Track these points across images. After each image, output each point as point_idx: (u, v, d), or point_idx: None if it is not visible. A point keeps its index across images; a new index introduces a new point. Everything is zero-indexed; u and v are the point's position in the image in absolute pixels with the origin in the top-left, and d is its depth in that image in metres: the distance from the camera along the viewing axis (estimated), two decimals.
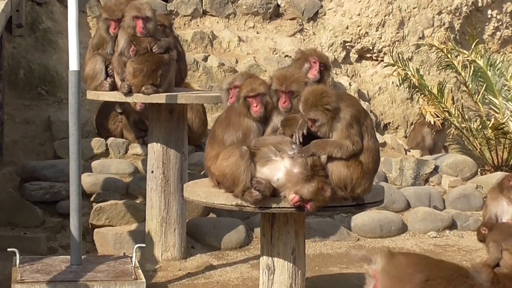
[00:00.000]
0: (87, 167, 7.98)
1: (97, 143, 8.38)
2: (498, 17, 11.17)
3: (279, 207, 4.74)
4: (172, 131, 6.82)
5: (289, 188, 4.62)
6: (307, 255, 7.06)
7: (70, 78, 5.81)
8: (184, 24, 10.13)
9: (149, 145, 6.97)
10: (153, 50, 6.52)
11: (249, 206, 4.74)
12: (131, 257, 6.18)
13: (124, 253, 6.66)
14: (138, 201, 7.66)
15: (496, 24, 11.17)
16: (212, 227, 7.46)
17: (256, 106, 4.91)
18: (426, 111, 9.59)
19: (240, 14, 10.35)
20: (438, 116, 9.59)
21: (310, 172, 4.58)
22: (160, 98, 6.51)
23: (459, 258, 7.41)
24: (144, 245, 6.60)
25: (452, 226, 8.33)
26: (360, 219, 8.02)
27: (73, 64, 5.78)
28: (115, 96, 6.70)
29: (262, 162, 4.69)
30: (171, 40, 6.73)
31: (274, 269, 5.08)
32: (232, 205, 4.80)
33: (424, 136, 10.00)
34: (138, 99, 6.67)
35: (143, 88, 6.49)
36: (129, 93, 6.52)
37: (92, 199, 7.67)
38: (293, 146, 4.67)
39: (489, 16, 11.14)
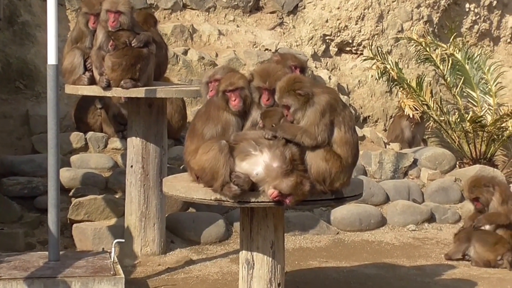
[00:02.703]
0: (66, 161, 7.92)
1: (76, 138, 8.32)
2: (476, 10, 11.22)
3: (258, 202, 4.73)
4: (152, 125, 6.79)
5: (268, 182, 4.61)
6: (286, 249, 7.05)
7: (48, 72, 5.76)
8: (164, 18, 10.10)
9: (128, 139, 6.93)
10: (132, 44, 6.48)
11: (228, 201, 4.73)
12: (110, 253, 6.13)
13: (103, 248, 6.61)
14: (117, 196, 7.63)
15: (473, 18, 11.23)
16: (192, 221, 7.42)
17: (235, 100, 4.89)
18: (405, 104, 9.62)
19: (220, 8, 10.34)
20: (416, 109, 9.61)
21: (289, 166, 4.57)
22: (139, 92, 6.47)
23: (438, 251, 7.44)
24: (123, 240, 6.56)
25: (431, 219, 8.36)
26: (339, 212, 8.02)
27: (52, 58, 5.72)
28: (93, 90, 6.64)
29: (241, 156, 4.68)
30: (150, 34, 6.71)
31: (254, 264, 5.07)
32: (211, 199, 4.78)
33: (403, 129, 10.02)
34: (117, 93, 6.62)
35: (122, 82, 6.45)
36: (107, 87, 6.47)
37: (71, 194, 7.62)
38: (266, 134, 4.66)
39: (467, 9, 11.19)
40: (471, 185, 6.92)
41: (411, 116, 9.63)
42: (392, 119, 10.40)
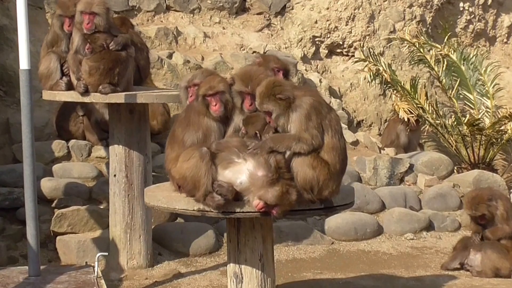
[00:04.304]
0: (48, 171, 7.86)
1: (58, 146, 8.25)
2: (470, 9, 11.26)
3: (243, 212, 4.66)
4: (134, 132, 6.75)
5: (253, 192, 4.54)
6: (279, 260, 6.99)
7: (21, 77, 5.73)
8: (147, 20, 10.08)
9: (110, 147, 6.91)
10: (110, 47, 6.41)
11: (212, 211, 4.67)
12: (93, 267, 6.08)
13: (86, 262, 6.62)
14: (102, 207, 7.58)
15: (468, 17, 11.27)
16: (180, 232, 7.39)
17: (216, 105, 4.82)
18: (400, 108, 9.57)
19: (205, 9, 10.34)
20: (411, 113, 9.52)
21: (275, 175, 4.49)
22: (118, 97, 6.42)
23: (437, 260, 7.39)
24: (106, 253, 6.50)
25: (429, 227, 8.31)
26: (334, 221, 7.96)
27: (24, 63, 5.70)
28: (72, 96, 6.60)
29: (224, 164, 4.61)
30: (129, 36, 6.66)
31: (242, 277, 5.00)
32: (194, 210, 4.72)
33: (399, 134, 10.05)
34: (95, 99, 6.58)
35: (100, 87, 6.38)
36: (85, 92, 6.43)
37: (53, 205, 7.55)
38: (252, 144, 4.59)
39: (461, 8, 11.23)
40: (474, 202, 6.82)
41: (406, 119, 9.51)
42: (387, 123, 10.38)
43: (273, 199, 4.45)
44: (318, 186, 4.60)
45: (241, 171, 4.54)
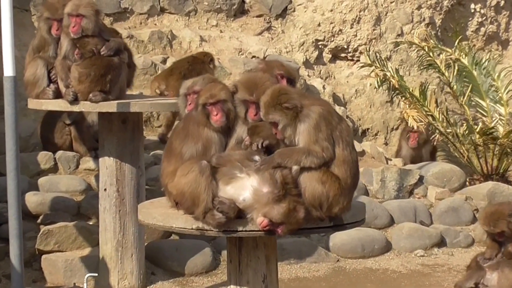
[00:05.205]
0: (33, 184, 7.86)
1: (44, 158, 8.26)
2: (482, 11, 11.30)
3: (246, 231, 4.58)
4: (127, 143, 6.73)
5: (257, 209, 4.45)
6: (281, 279, 6.97)
7: (5, 85, 5.66)
8: (140, 23, 10.10)
9: (100, 159, 6.88)
10: (101, 53, 6.38)
11: (212, 230, 4.58)
12: None
13: (75, 283, 6.64)
14: (91, 223, 7.57)
15: (479, 19, 11.31)
16: (175, 250, 7.37)
17: (217, 114, 4.73)
18: (408, 115, 9.48)
19: (201, 12, 10.37)
20: (421, 121, 9.45)
21: (281, 191, 4.41)
22: (110, 106, 6.39)
23: (450, 279, 7.39)
24: (96, 274, 6.48)
25: (441, 243, 8.32)
26: (339, 238, 7.95)
27: (8, 69, 5.62)
28: (59, 105, 6.58)
29: (225, 179, 4.52)
30: (122, 41, 6.68)
31: None
32: (192, 228, 4.63)
33: (402, 146, 10.07)
34: (85, 108, 6.57)
35: (91, 95, 6.35)
36: (74, 101, 6.40)
37: (39, 221, 7.53)
38: (256, 158, 4.53)
39: (472, 10, 11.28)
40: (493, 217, 6.74)
41: (415, 127, 9.46)
42: (398, 133, 10.33)
43: (279, 216, 4.38)
44: (327, 202, 4.52)
45: (244, 187, 4.46)
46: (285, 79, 5.55)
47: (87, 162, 8.31)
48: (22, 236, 5.78)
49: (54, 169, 8.22)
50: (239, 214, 4.51)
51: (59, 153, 8.29)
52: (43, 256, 7.08)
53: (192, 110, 4.89)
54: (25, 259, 6.38)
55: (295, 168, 4.49)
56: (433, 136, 10.03)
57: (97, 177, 7.81)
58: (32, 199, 7.53)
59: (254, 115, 4.71)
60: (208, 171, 4.47)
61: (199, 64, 8.67)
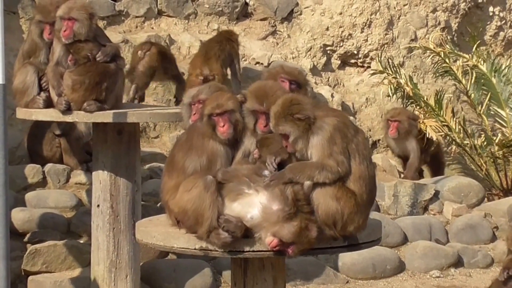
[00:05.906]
0: (20, 200, 7.88)
1: (31, 171, 8.25)
2: (501, 14, 11.34)
3: (253, 251, 4.57)
4: (122, 155, 6.72)
5: (266, 228, 4.44)
6: None
7: None
8: (136, 27, 10.13)
9: (93, 173, 6.87)
10: (97, 59, 6.39)
11: (217, 250, 4.57)
12: None
13: None
14: (82, 241, 7.59)
15: (498, 23, 11.35)
16: (172, 270, 7.41)
17: (224, 125, 4.72)
18: (426, 126, 9.47)
19: (202, 14, 10.39)
20: (440, 131, 9.48)
21: (292, 208, 4.40)
22: (106, 116, 6.38)
23: None
24: None
25: (458, 263, 8.34)
26: (349, 257, 7.95)
27: None
28: (51, 115, 6.55)
29: (232, 196, 4.52)
30: (118, 46, 6.71)
31: None
32: (195, 249, 4.62)
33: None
34: (79, 118, 6.55)
35: (85, 104, 6.34)
36: (67, 110, 6.37)
37: (25, 239, 7.56)
38: (266, 173, 4.51)
39: (491, 13, 11.32)
40: None
41: (435, 139, 9.43)
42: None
43: (289, 236, 4.37)
44: (342, 220, 4.53)
45: (252, 204, 4.46)
46: (293, 85, 5.58)
47: (78, 176, 8.30)
48: (9, 256, 5.71)
49: (42, 183, 8.21)
50: (246, 233, 4.50)
51: (48, 165, 8.27)
52: (30, 277, 7.10)
53: (197, 121, 4.89)
54: (10, 281, 6.37)
55: (307, 183, 4.49)
56: (434, 139, 9.98)
57: (89, 192, 7.88)
58: (19, 216, 7.54)
59: (264, 126, 4.71)
60: (214, 187, 4.46)
61: (228, 42, 9.26)
